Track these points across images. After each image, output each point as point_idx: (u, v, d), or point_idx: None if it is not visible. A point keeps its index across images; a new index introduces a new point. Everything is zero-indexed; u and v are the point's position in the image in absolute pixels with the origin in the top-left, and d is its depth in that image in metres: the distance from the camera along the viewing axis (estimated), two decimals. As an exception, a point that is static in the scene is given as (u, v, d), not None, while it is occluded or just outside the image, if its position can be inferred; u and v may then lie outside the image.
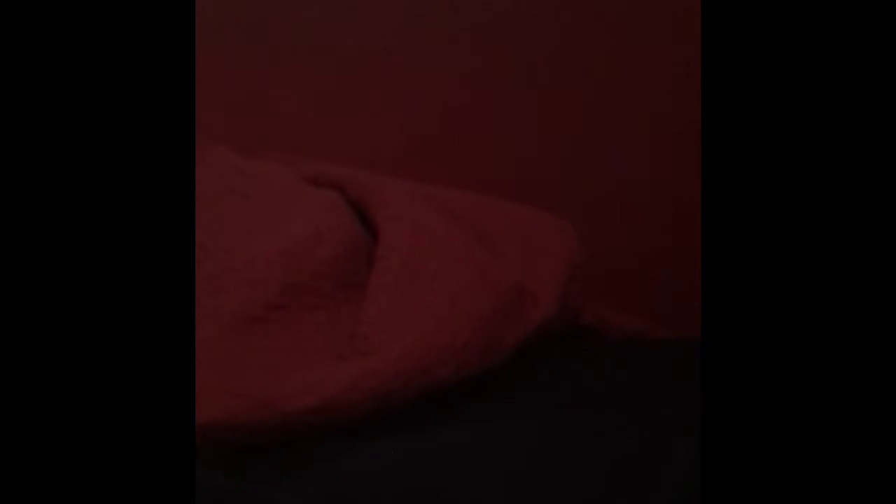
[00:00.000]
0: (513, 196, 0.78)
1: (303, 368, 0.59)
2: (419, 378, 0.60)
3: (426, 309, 0.63)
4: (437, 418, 0.58)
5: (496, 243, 0.71)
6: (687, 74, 0.85)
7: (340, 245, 0.67)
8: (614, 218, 0.99)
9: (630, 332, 0.79)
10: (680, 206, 0.88)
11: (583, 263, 0.74)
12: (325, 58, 0.96)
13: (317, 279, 0.65)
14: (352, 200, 0.71)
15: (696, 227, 0.47)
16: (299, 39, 0.96)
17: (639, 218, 1.01)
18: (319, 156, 0.79)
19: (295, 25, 0.96)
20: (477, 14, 0.97)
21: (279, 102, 0.96)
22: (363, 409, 0.58)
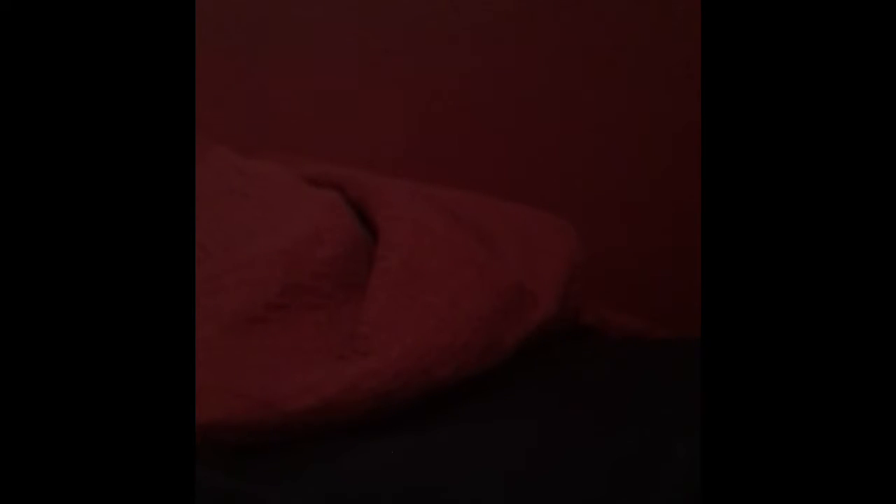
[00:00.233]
0: (513, 196, 0.78)
1: (303, 368, 0.59)
2: (419, 378, 0.60)
3: (426, 309, 0.63)
4: (437, 418, 0.58)
5: (496, 243, 0.71)
6: (687, 74, 0.85)
7: (340, 245, 0.67)
8: (614, 218, 0.99)
9: (630, 332, 0.79)
10: (680, 206, 0.88)
11: (583, 263, 0.73)
12: (325, 58, 0.96)
13: (317, 279, 0.65)
14: (352, 200, 0.71)
15: (696, 227, 0.47)
16: (299, 39, 0.96)
17: (639, 218, 1.01)
18: (319, 156, 0.79)
19: (295, 25, 0.96)
20: (477, 14, 0.97)
21: (279, 102, 0.96)
22: (363, 409, 0.58)
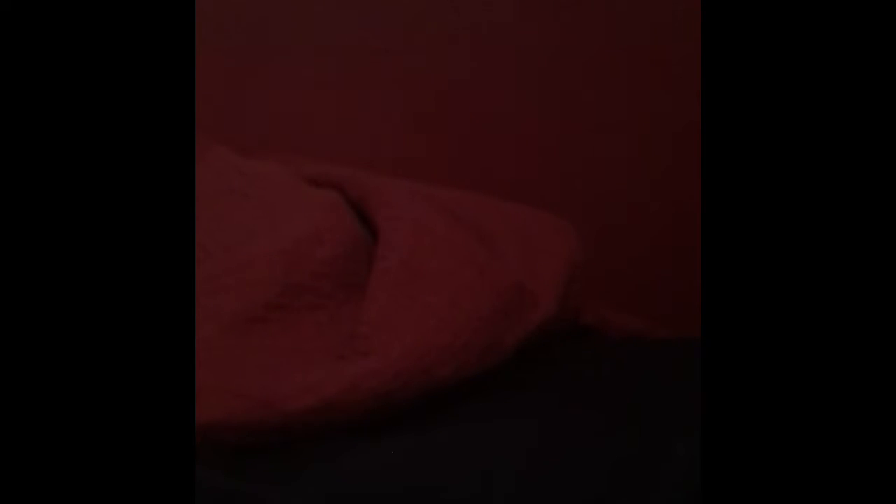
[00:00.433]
0: (513, 196, 0.78)
1: (303, 368, 0.59)
2: (419, 378, 0.60)
3: (426, 309, 0.63)
4: (437, 418, 0.58)
5: (496, 243, 0.71)
6: (687, 74, 0.85)
7: (340, 245, 0.67)
8: (614, 218, 0.99)
9: (630, 332, 0.79)
10: (680, 206, 0.88)
11: (583, 263, 0.73)
12: (325, 57, 0.96)
13: (317, 279, 0.65)
14: (352, 200, 0.71)
15: (696, 227, 0.47)
16: (299, 39, 0.96)
17: (639, 218, 1.01)
18: (319, 156, 0.79)
19: (295, 25, 0.96)
20: (477, 14, 0.97)
21: (279, 102, 0.96)
22: (363, 409, 0.58)
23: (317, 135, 0.96)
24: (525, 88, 0.99)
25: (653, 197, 1.00)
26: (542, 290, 0.69)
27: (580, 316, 0.75)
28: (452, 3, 0.97)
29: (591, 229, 0.78)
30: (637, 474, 0.52)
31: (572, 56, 0.99)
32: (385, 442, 0.55)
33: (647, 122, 0.99)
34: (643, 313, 0.81)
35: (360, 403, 0.58)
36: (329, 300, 0.65)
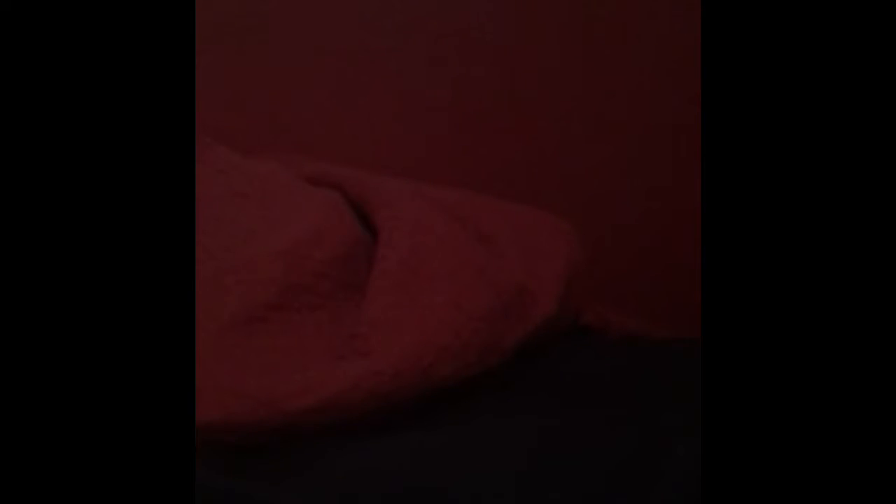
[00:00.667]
0: (513, 196, 0.78)
1: (303, 368, 0.59)
2: (419, 378, 0.60)
3: (426, 309, 0.63)
4: (438, 418, 0.58)
5: (496, 243, 0.71)
6: (687, 74, 0.85)
7: (340, 245, 0.67)
8: (614, 218, 0.99)
9: (630, 332, 0.79)
10: (679, 207, 0.88)
11: (583, 263, 0.74)
12: (325, 57, 0.96)
13: (317, 279, 0.65)
14: (352, 200, 0.71)
15: (696, 227, 0.47)
16: (299, 39, 0.96)
17: (639, 218, 1.01)
18: (319, 156, 0.79)
19: (295, 25, 0.96)
20: (478, 14, 0.97)
21: (279, 102, 0.96)
22: (363, 409, 0.58)
23: (317, 135, 0.96)
24: (525, 88, 0.99)
25: (653, 197, 1.00)
26: (542, 290, 0.69)
27: (580, 316, 0.75)
28: (452, 4, 0.97)
29: (591, 230, 0.78)
30: (637, 473, 0.52)
31: (572, 56, 0.99)
32: (385, 442, 0.55)
33: (647, 122, 0.99)
34: (643, 313, 0.81)
35: (360, 403, 0.58)
36: (329, 300, 0.65)
